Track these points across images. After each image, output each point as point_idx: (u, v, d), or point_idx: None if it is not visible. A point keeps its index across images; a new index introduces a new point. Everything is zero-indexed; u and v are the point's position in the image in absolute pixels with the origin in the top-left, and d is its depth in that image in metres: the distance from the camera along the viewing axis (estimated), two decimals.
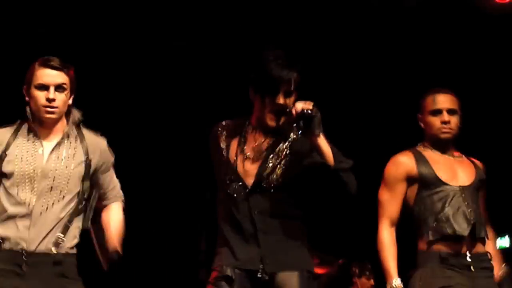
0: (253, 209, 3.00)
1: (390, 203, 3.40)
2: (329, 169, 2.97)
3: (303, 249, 3.07)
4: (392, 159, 3.45)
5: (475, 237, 3.31)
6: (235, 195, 3.04)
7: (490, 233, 3.46)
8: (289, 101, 3.00)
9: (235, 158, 3.08)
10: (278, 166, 3.05)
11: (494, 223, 6.49)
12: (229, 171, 3.06)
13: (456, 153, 3.50)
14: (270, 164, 3.06)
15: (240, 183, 3.04)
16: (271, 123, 3.04)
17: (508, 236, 6.78)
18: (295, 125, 2.99)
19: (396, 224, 3.40)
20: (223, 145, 3.12)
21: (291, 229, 3.05)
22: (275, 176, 3.04)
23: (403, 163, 3.42)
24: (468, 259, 3.26)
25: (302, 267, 3.01)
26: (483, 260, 3.31)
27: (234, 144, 3.12)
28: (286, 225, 3.05)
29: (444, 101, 3.41)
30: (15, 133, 2.97)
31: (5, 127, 3.02)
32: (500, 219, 6.14)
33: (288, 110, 2.97)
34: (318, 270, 5.17)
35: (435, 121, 3.40)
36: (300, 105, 2.92)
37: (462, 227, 3.28)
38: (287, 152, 3.09)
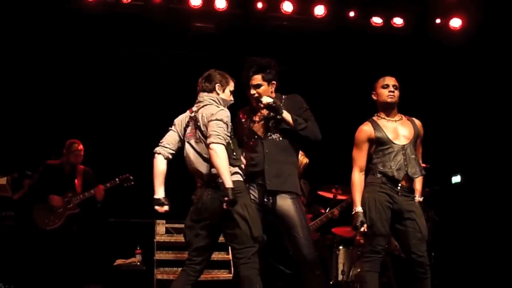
0: (264, 150, 4.54)
1: (359, 156, 4.58)
2: (294, 130, 4.50)
3: (294, 178, 4.63)
4: (358, 128, 4.61)
5: (406, 179, 4.54)
6: (253, 142, 4.58)
7: (419, 174, 4.61)
8: (259, 91, 4.53)
9: (251, 123, 4.66)
10: (273, 124, 4.58)
11: (449, 164, 8.03)
12: (250, 130, 4.62)
13: (398, 116, 4.63)
14: (269, 124, 4.59)
15: (256, 136, 4.58)
16: (254, 104, 4.60)
17: (460, 174, 8.03)
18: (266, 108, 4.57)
19: (363, 170, 4.58)
20: (243, 119, 4.70)
21: (286, 164, 4.58)
22: (272, 130, 4.57)
23: (365, 130, 4.57)
24: (398, 188, 4.48)
25: (292, 190, 4.57)
26: (406, 191, 4.52)
27: (250, 116, 4.69)
28: (283, 160, 4.57)
29: (390, 80, 4.63)
30: None
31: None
32: (454, 161, 7.55)
33: (260, 100, 4.51)
34: (340, 197, 6.57)
35: (384, 91, 4.57)
36: (265, 100, 4.47)
37: (399, 175, 4.48)
38: (275, 117, 4.59)
